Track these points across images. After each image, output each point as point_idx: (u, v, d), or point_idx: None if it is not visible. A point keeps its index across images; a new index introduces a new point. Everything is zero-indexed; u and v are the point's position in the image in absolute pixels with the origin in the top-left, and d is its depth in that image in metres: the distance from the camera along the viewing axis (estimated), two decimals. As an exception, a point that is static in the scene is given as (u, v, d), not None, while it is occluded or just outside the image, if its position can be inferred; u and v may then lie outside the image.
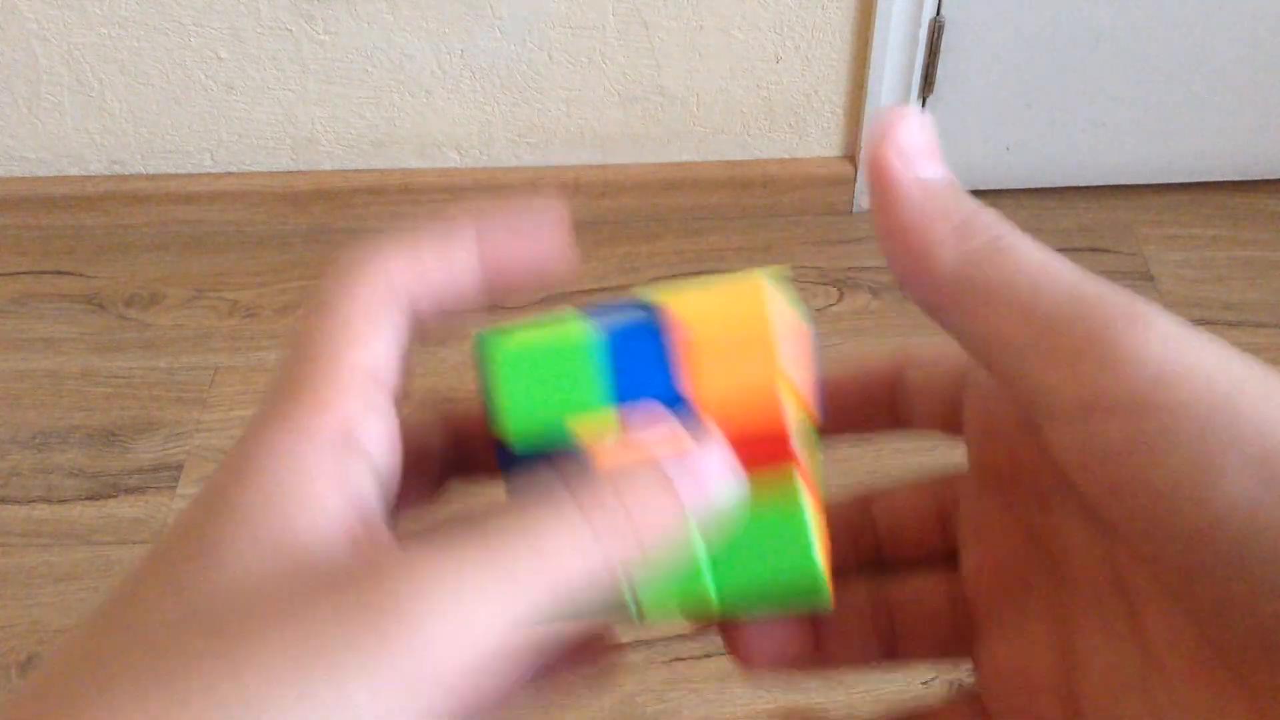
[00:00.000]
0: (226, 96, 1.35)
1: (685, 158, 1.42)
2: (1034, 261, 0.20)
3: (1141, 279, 1.36)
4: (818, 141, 1.41)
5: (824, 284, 1.36)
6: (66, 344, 1.31)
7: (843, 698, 1.01)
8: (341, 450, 0.19)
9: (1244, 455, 0.17)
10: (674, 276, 1.37)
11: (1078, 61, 1.34)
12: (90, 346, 1.31)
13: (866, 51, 1.31)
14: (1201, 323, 1.31)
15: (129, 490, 1.17)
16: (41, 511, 1.15)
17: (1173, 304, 1.33)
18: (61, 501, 1.16)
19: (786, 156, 1.42)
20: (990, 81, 1.36)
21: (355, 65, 1.32)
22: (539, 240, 0.23)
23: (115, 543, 1.12)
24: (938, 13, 1.29)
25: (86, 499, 1.16)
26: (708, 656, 1.03)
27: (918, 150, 0.21)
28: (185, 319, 1.34)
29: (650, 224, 1.44)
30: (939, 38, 1.31)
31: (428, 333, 0.23)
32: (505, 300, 0.24)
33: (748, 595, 0.23)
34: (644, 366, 0.22)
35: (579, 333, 0.22)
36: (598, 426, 0.22)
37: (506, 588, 0.18)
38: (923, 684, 1.01)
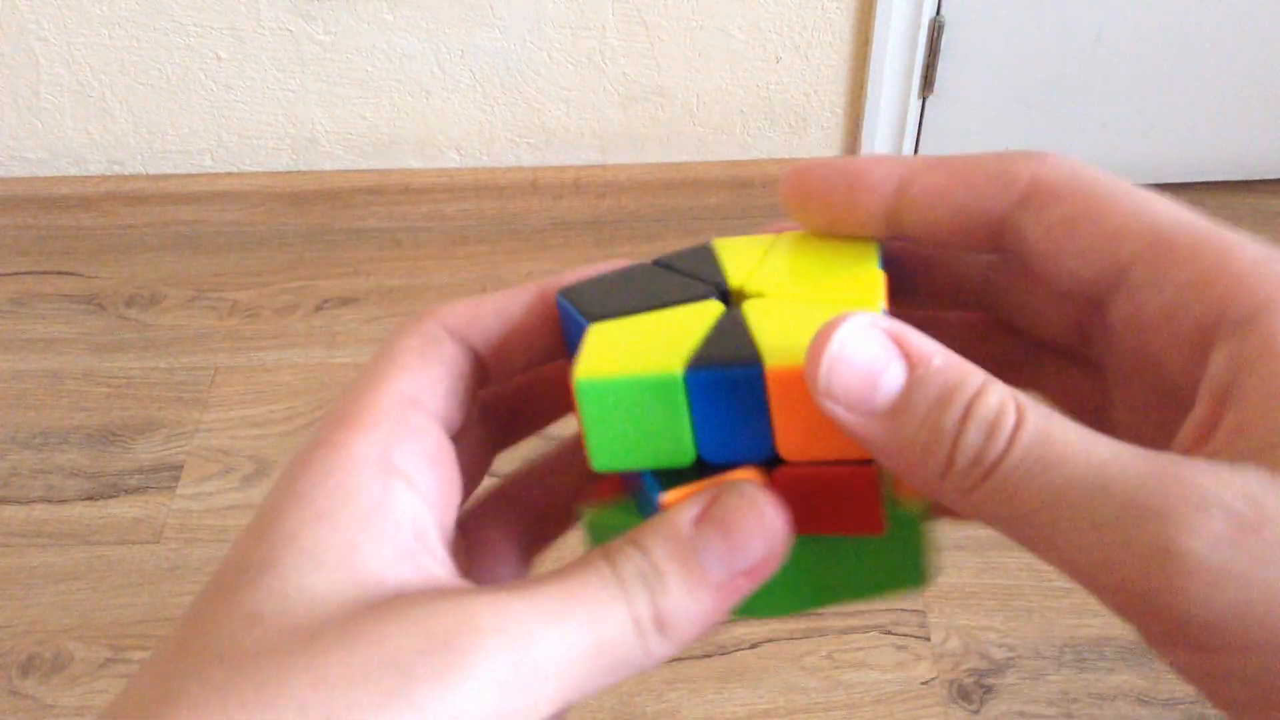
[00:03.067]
0: (226, 96, 1.35)
1: (685, 158, 1.42)
2: (1030, 484, 0.18)
3: (1141, 279, 1.36)
4: (818, 141, 1.41)
5: (824, 284, 1.36)
6: (66, 344, 1.31)
7: (842, 697, 1.01)
8: (381, 470, 0.20)
9: None
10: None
11: (1078, 61, 1.34)
12: (90, 346, 1.31)
13: (866, 51, 1.31)
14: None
15: (129, 490, 1.17)
16: (41, 511, 1.15)
17: (1173, 304, 1.33)
18: (61, 501, 1.16)
19: (786, 156, 1.42)
20: (990, 81, 1.36)
21: (355, 65, 1.32)
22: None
23: (115, 543, 1.12)
24: (938, 13, 1.29)
25: (86, 499, 1.16)
26: (707, 656, 1.04)
27: (862, 379, 0.19)
28: (185, 319, 1.34)
29: (650, 224, 1.44)
30: (939, 38, 1.31)
31: (494, 372, 0.24)
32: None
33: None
34: (731, 415, 0.21)
35: (668, 371, 0.21)
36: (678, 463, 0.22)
37: (567, 635, 0.19)
38: (922, 684, 1.01)
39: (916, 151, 1.42)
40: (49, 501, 1.16)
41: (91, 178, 1.41)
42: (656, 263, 0.25)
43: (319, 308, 1.35)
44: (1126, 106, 1.39)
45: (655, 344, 0.22)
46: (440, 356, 0.22)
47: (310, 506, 0.19)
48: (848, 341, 0.19)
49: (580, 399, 0.21)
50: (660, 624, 0.19)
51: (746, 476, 0.21)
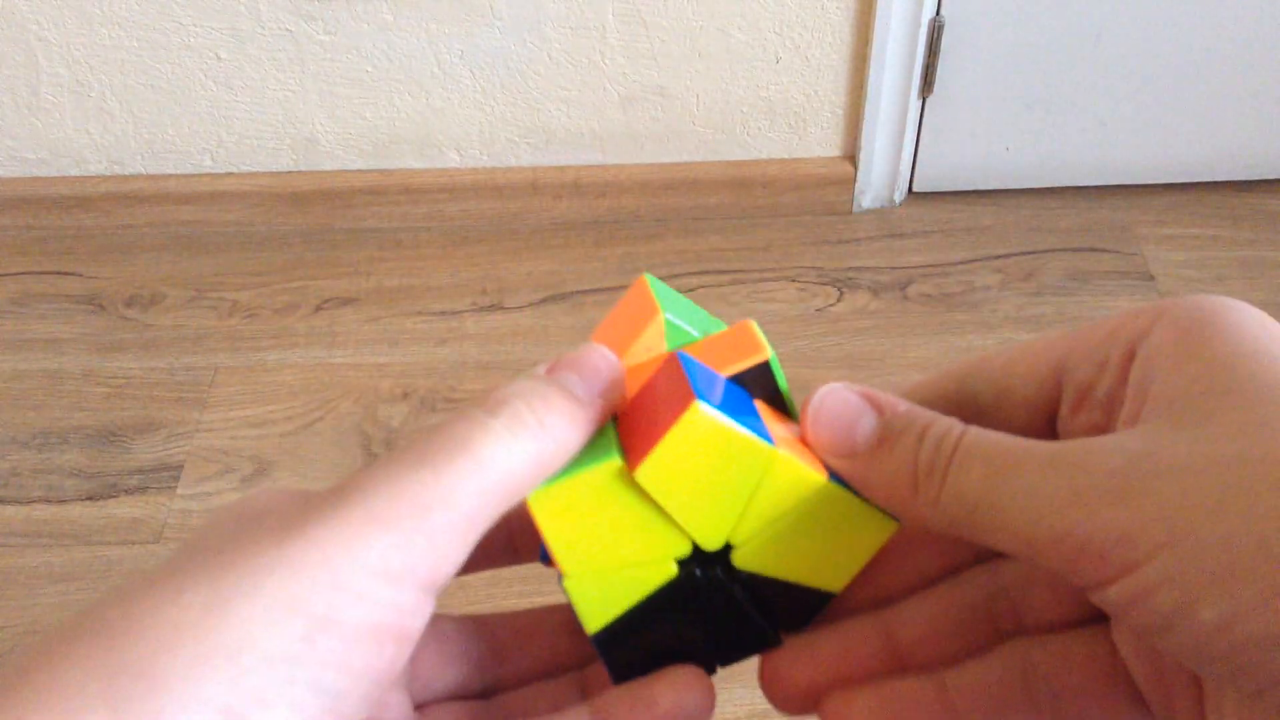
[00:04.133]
0: (226, 96, 1.35)
1: (685, 158, 1.42)
2: (996, 487, 0.22)
3: (1141, 279, 1.36)
4: (818, 141, 1.41)
5: (824, 284, 1.36)
6: (66, 344, 1.31)
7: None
8: None
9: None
10: (674, 277, 1.37)
11: (1078, 61, 1.34)
12: (90, 346, 1.31)
13: (866, 51, 1.31)
14: (1201, 323, 1.31)
15: (129, 490, 1.17)
16: (41, 511, 1.15)
17: (1173, 304, 1.33)
18: (61, 501, 1.16)
19: (786, 156, 1.42)
20: (990, 81, 1.36)
21: (355, 65, 1.32)
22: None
23: (115, 543, 1.12)
24: (938, 13, 1.29)
25: (86, 499, 1.16)
26: (708, 656, 1.03)
27: (841, 427, 0.24)
28: (185, 319, 1.34)
29: (650, 224, 1.44)
30: (939, 38, 1.31)
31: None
32: None
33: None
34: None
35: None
36: None
37: (457, 492, 0.21)
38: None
39: (917, 151, 1.42)
40: (49, 501, 1.16)
41: (91, 178, 1.41)
42: None
43: (319, 308, 1.35)
44: (1126, 106, 1.39)
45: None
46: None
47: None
48: (825, 399, 0.24)
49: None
50: (541, 422, 0.22)
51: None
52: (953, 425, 0.23)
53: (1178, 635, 0.20)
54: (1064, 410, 0.24)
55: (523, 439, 0.22)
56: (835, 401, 0.24)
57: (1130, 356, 0.23)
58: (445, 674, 0.27)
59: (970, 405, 0.25)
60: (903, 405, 0.24)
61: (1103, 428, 0.24)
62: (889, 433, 0.23)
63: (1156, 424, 0.21)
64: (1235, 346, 0.21)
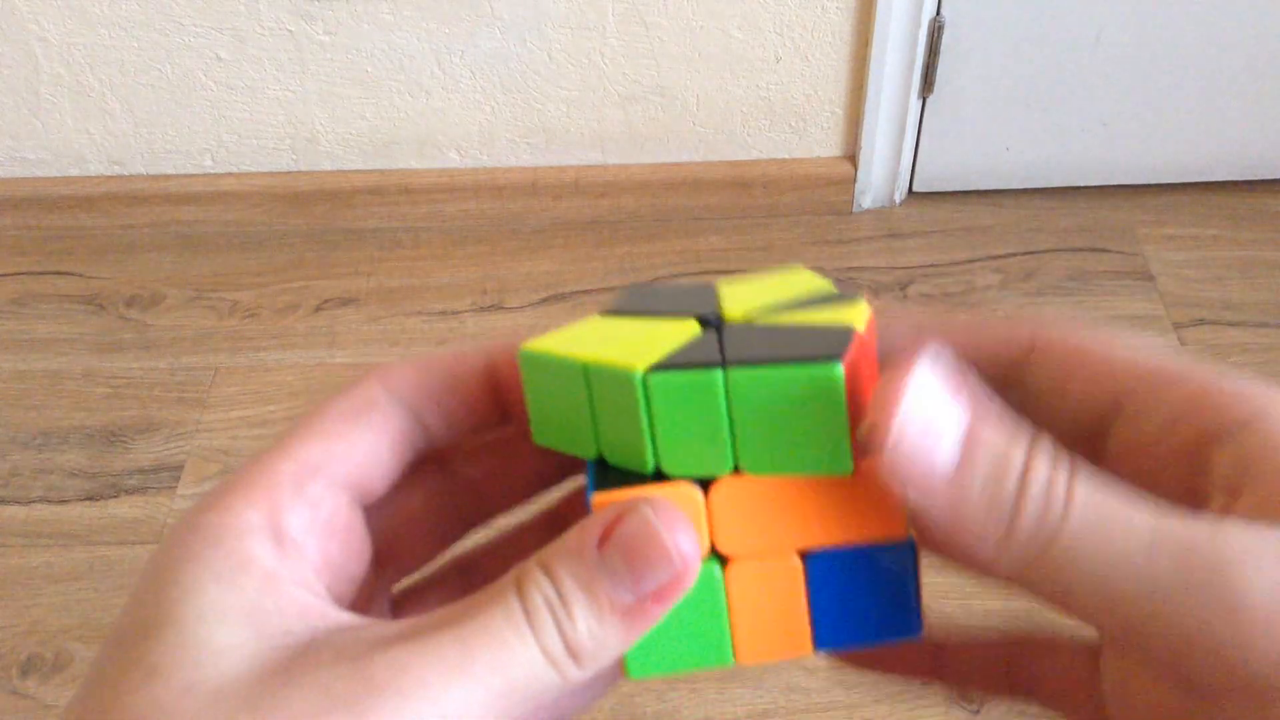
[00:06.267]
0: (226, 96, 1.35)
1: (685, 158, 1.42)
2: (1096, 558, 0.19)
3: (1141, 279, 1.36)
4: (818, 141, 1.41)
5: (824, 284, 1.36)
6: (66, 344, 1.31)
7: (842, 697, 1.01)
8: (274, 538, 0.21)
9: None
10: (674, 277, 1.37)
11: (1078, 61, 1.34)
12: (90, 346, 1.31)
13: (866, 51, 1.31)
14: (1201, 323, 1.31)
15: (129, 490, 1.17)
16: (41, 511, 1.15)
17: (1173, 304, 1.33)
18: (61, 501, 1.16)
19: (786, 156, 1.42)
20: (990, 81, 1.36)
21: (355, 65, 1.32)
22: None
23: (115, 543, 1.12)
24: (937, 13, 1.29)
25: (86, 499, 1.16)
26: (708, 656, 1.03)
27: (931, 432, 0.19)
28: (185, 319, 1.34)
29: (650, 224, 1.44)
30: (939, 38, 1.31)
31: (438, 436, 0.24)
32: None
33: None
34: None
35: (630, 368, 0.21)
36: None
37: (471, 684, 0.19)
38: (923, 683, 1.01)
39: (917, 151, 1.42)
40: (49, 502, 1.16)
41: (91, 178, 1.41)
42: (650, 294, 0.25)
43: (319, 308, 1.35)
44: (1126, 106, 1.39)
45: (623, 346, 0.22)
46: (369, 422, 0.23)
47: (208, 568, 0.19)
48: (905, 425, 0.19)
49: (522, 367, 0.22)
50: (573, 653, 0.19)
51: (670, 491, 0.21)
52: (1057, 473, 0.19)
53: None
54: (1113, 446, 0.23)
55: (546, 662, 0.19)
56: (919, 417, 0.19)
57: (1210, 441, 0.21)
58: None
59: (1021, 389, 0.24)
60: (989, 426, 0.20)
61: (1156, 482, 0.22)
62: (976, 465, 0.19)
63: None
64: None
